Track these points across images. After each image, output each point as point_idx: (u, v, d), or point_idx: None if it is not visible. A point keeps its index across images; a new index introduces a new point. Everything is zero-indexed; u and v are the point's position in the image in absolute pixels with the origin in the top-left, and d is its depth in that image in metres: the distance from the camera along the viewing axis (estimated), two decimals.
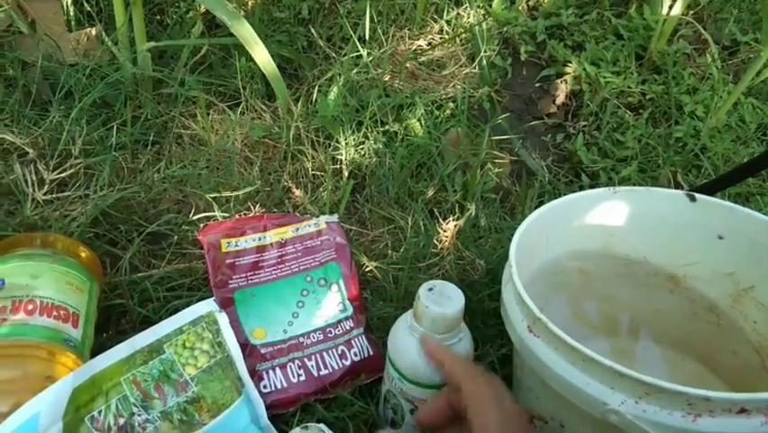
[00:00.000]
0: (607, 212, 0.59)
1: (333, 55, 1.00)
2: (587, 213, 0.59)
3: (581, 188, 0.91)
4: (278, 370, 0.61)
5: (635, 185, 0.88)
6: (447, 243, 0.76)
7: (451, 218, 0.79)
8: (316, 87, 0.92)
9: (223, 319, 0.59)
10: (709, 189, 0.64)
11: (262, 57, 0.80)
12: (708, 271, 0.58)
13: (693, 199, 0.57)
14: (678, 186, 0.88)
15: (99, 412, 0.51)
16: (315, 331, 0.64)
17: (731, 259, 0.57)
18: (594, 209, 0.59)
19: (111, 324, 0.64)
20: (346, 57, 0.96)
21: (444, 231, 0.77)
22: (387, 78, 0.96)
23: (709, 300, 0.59)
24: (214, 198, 0.75)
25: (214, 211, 0.74)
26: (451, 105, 0.96)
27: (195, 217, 0.72)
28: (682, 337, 0.61)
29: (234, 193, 0.76)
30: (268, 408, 0.58)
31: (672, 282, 0.61)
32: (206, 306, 0.60)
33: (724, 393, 0.39)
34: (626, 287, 0.63)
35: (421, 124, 0.90)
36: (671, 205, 0.58)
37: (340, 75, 0.94)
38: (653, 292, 0.62)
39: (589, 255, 0.61)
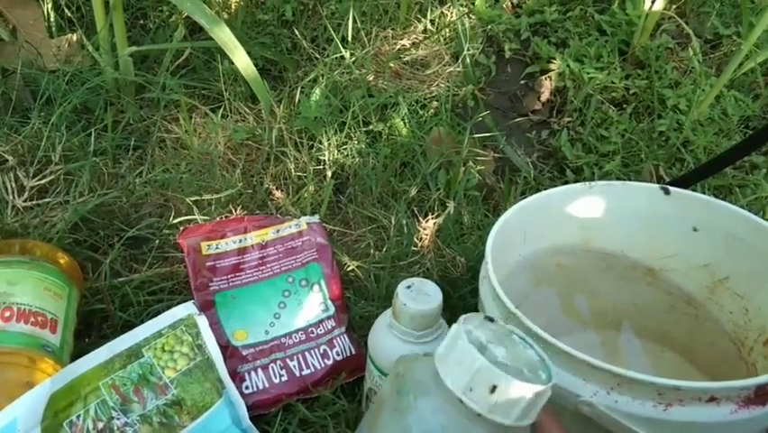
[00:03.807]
0: (583, 207, 0.60)
1: (317, 56, 1.00)
2: (564, 208, 0.59)
3: (566, 183, 0.91)
4: (259, 371, 0.61)
5: (618, 179, 0.88)
6: (428, 241, 0.76)
7: (430, 216, 0.79)
8: (299, 89, 0.92)
9: (202, 322, 0.59)
10: (685, 182, 0.64)
11: (242, 61, 0.80)
12: (685, 263, 0.58)
13: (667, 193, 0.57)
14: (660, 179, 0.89)
15: (78, 417, 0.51)
16: (296, 331, 0.64)
17: (706, 251, 0.57)
18: (571, 204, 0.59)
19: (93, 329, 0.64)
20: (329, 58, 0.96)
21: (425, 229, 0.78)
22: (370, 78, 0.96)
23: (686, 292, 0.59)
24: (195, 202, 0.75)
25: (195, 215, 0.74)
26: (435, 103, 0.96)
27: (176, 221, 0.73)
28: (662, 330, 0.62)
29: (216, 196, 0.76)
30: (249, 409, 0.58)
31: (650, 275, 0.61)
32: (185, 309, 0.60)
33: (693, 382, 0.40)
34: (606, 281, 0.63)
35: (405, 123, 0.91)
36: (646, 198, 0.58)
37: (323, 76, 0.94)
38: (632, 286, 0.62)
39: (567, 250, 0.61)
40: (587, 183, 0.59)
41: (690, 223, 0.57)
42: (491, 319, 0.38)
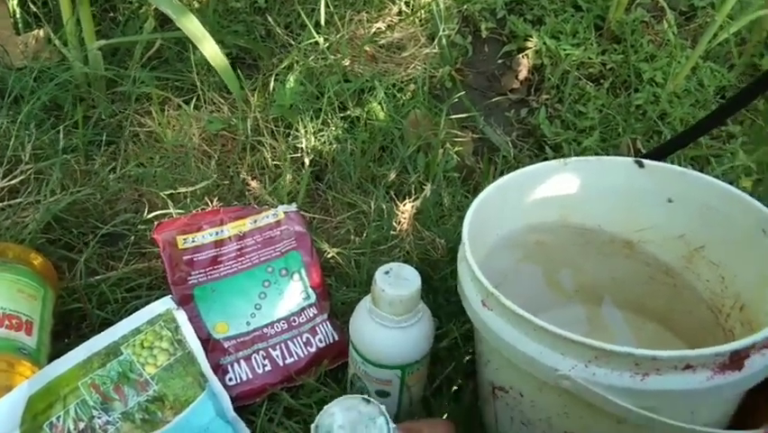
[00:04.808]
0: (559, 184, 0.60)
1: (291, 42, 0.99)
2: (540, 186, 0.59)
3: (545, 160, 0.91)
4: (242, 362, 0.61)
5: (596, 154, 0.88)
6: (407, 224, 0.76)
7: (408, 200, 0.79)
8: (274, 76, 0.91)
9: (181, 316, 0.59)
10: (660, 154, 0.64)
11: (211, 50, 0.79)
12: (661, 234, 0.59)
13: (641, 166, 0.57)
14: (638, 153, 0.89)
15: (58, 418, 0.51)
16: (278, 321, 0.64)
17: (682, 221, 0.57)
18: (546, 182, 0.59)
19: (71, 329, 0.63)
20: (303, 44, 0.95)
21: (404, 213, 0.77)
22: (346, 63, 0.95)
23: (664, 263, 0.59)
24: (170, 195, 0.74)
25: (170, 209, 0.73)
26: (412, 86, 0.95)
27: (151, 216, 0.72)
28: (642, 301, 0.62)
29: (191, 189, 0.75)
30: (234, 400, 0.58)
31: (628, 248, 0.61)
32: (163, 304, 0.59)
33: (669, 352, 0.40)
34: (585, 256, 0.63)
35: (382, 107, 0.90)
36: (621, 172, 0.58)
37: (298, 62, 0.93)
38: (611, 259, 0.62)
39: (545, 227, 0.61)
40: (562, 160, 0.59)
41: (666, 195, 0.57)
42: (368, 401, 0.43)
